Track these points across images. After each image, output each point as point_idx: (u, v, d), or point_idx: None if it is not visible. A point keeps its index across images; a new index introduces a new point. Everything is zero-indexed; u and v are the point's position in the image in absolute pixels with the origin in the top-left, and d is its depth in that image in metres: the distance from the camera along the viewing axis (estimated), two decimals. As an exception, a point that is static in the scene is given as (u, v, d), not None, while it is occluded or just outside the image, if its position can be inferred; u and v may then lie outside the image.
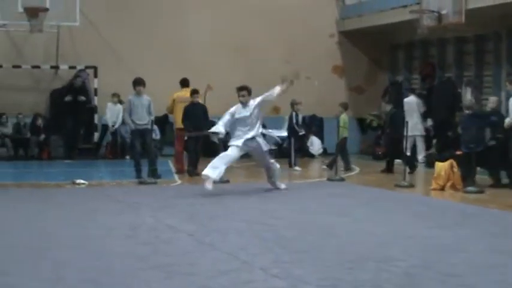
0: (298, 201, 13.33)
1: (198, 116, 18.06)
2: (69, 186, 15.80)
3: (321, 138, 25.97)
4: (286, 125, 20.68)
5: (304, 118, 23.50)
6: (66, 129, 23.93)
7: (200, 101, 18.78)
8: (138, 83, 16.99)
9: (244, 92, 14.67)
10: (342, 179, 16.94)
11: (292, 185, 15.89)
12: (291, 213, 11.81)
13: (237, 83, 15.54)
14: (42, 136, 23.37)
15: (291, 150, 20.30)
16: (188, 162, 18.37)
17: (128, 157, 22.19)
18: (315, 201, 13.41)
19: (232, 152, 14.33)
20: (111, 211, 11.95)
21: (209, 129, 15.41)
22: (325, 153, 25.09)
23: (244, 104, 14.56)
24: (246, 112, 14.48)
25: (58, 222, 10.89)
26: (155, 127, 19.78)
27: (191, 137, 18.11)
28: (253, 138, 14.40)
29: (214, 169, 13.96)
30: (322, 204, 12.96)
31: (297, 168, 19.96)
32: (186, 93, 18.44)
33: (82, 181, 16.11)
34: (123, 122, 21.01)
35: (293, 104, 20.41)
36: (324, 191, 14.93)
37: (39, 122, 23.45)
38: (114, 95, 23.52)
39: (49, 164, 22.01)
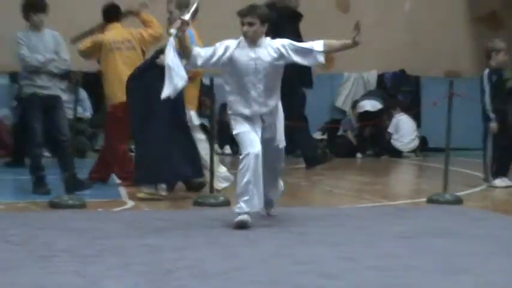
0: (368, 245, 6.27)
1: None
2: None
3: (416, 118, 15.50)
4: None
5: (381, 77, 15.63)
6: None
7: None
8: (30, 8, 8.70)
9: (254, 18, 6.97)
10: (457, 200, 8.78)
11: (361, 211, 8.43)
12: (355, 268, 5.43)
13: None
14: None
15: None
16: None
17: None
18: (402, 244, 6.34)
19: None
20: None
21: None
22: (423, 148, 15.32)
23: (253, 41, 6.98)
24: (252, 55, 6.94)
25: None
26: (83, 95, 11.93)
27: None
28: (269, 115, 7.12)
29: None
30: (417, 251, 6.07)
31: (498, 182, 10.29)
32: (120, 31, 9.65)
33: None
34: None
35: (491, 51, 10.26)
36: (421, 224, 7.43)
37: None
38: None
39: None
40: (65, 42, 8.89)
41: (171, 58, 6.83)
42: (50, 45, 8.72)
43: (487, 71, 10.35)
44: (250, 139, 6.95)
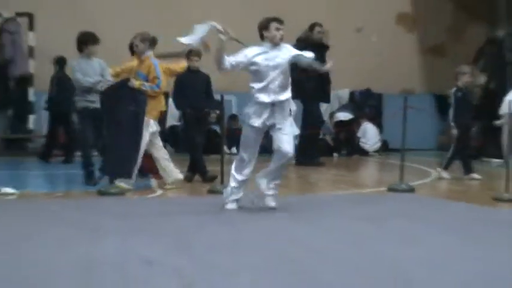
0: (343, 224, 6.23)
1: (198, 90, 9.38)
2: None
3: (379, 125, 15.64)
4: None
5: (352, 94, 15.61)
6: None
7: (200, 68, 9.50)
8: (87, 41, 8.74)
9: (283, 25, 6.75)
10: (410, 189, 8.71)
11: (338, 197, 8.42)
12: (334, 243, 5.42)
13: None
14: None
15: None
16: (190, 164, 9.58)
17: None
18: (368, 224, 6.18)
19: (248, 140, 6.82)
20: (55, 237, 5.46)
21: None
22: (385, 149, 15.26)
23: (277, 44, 6.72)
24: (280, 55, 6.73)
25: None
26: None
27: (190, 122, 9.52)
28: (282, 103, 6.74)
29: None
30: (380, 229, 5.98)
31: (445, 174, 10.35)
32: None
33: (10, 190, 7.85)
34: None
35: (458, 73, 10.20)
36: (383, 208, 7.34)
37: None
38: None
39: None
40: (107, 69, 8.94)
41: (198, 31, 6.60)
42: (97, 70, 8.79)
43: (454, 89, 10.19)
44: (250, 146, 6.79)
